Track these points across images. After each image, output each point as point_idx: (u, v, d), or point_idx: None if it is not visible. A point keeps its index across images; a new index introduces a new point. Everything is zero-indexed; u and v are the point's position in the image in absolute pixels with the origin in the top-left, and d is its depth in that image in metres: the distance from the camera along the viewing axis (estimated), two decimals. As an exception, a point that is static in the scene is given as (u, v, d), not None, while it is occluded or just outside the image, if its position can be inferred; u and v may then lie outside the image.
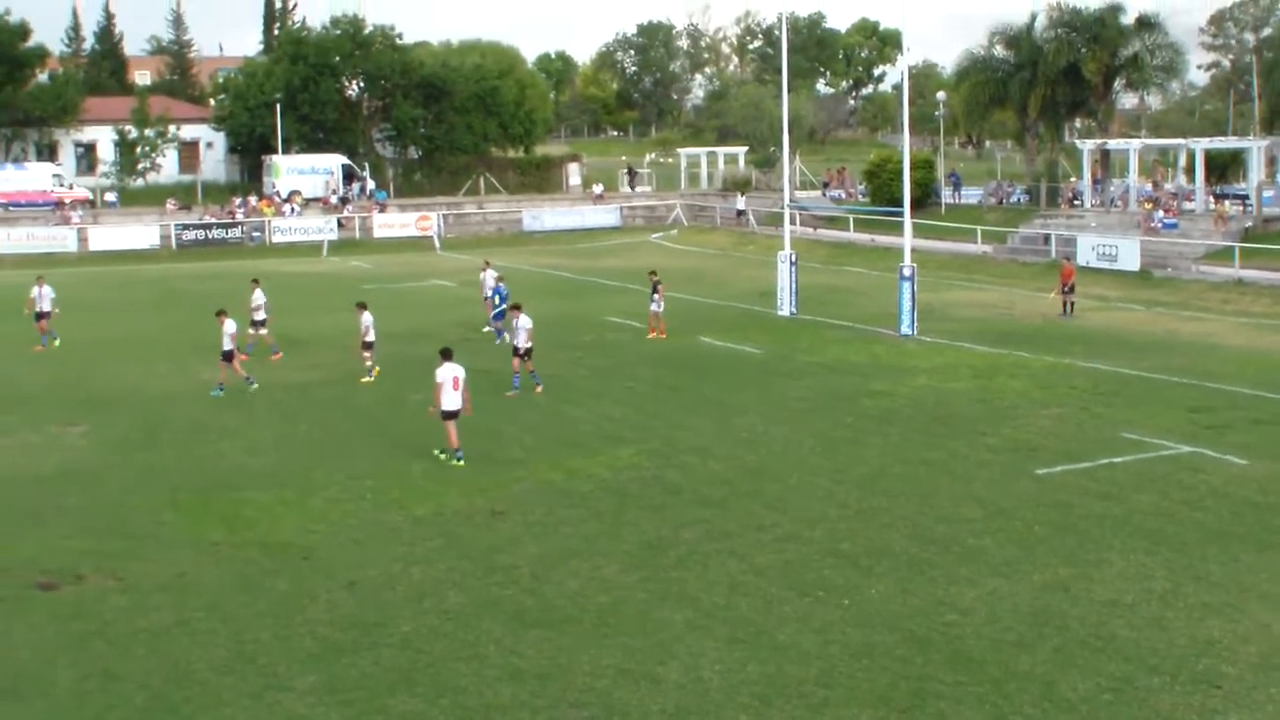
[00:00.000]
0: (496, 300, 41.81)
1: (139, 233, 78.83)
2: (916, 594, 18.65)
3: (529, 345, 33.26)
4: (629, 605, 18.38)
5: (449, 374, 26.49)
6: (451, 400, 26.46)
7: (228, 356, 34.11)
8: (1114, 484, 24.30)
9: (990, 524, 21.94)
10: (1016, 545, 20.80)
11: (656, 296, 42.39)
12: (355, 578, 19.65)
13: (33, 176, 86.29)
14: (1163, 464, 25.75)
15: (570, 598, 18.70)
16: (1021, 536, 21.25)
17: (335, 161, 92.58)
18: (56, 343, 41.11)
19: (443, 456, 26.61)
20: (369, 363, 35.66)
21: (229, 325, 33.91)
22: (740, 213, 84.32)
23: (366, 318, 35.69)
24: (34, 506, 23.85)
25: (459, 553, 20.81)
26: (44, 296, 41.46)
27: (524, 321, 33.23)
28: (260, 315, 39.57)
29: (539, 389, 33.22)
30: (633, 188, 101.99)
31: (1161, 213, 61.91)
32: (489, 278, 43.65)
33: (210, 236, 79.97)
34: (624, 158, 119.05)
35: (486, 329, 42.53)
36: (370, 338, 35.74)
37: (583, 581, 19.37)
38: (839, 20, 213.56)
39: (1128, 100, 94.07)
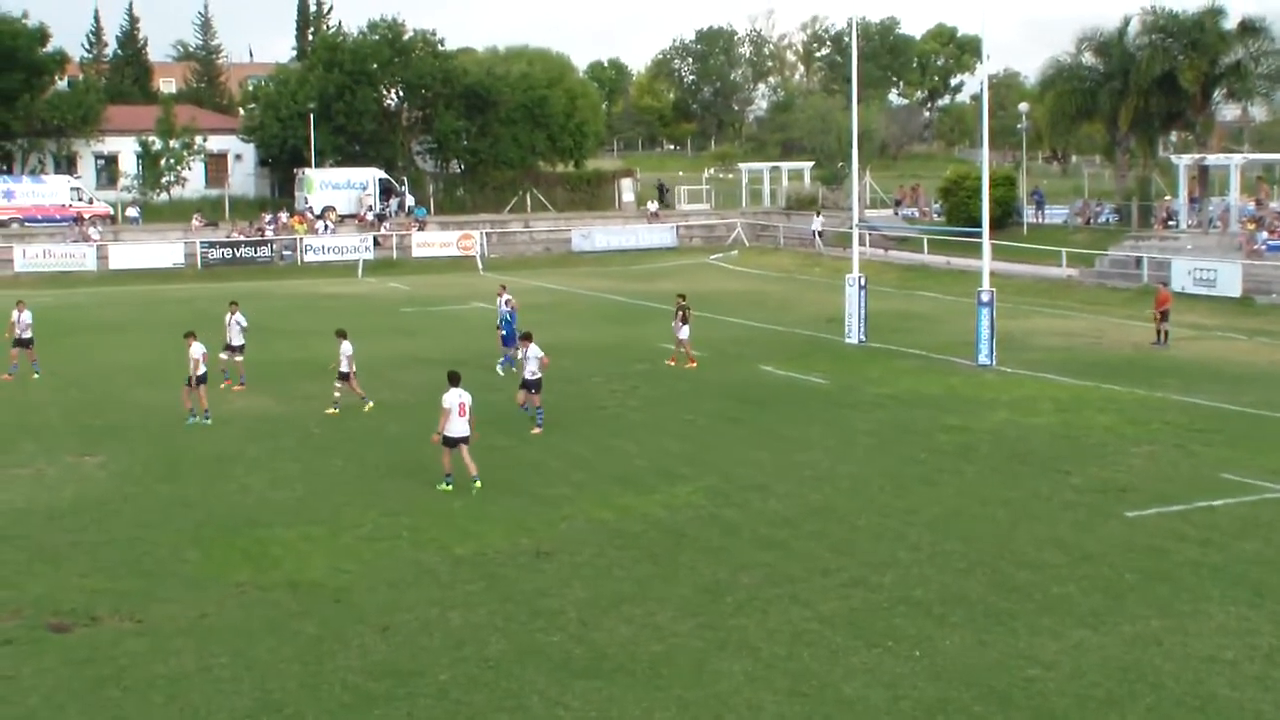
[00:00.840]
0: (501, 326, 41.65)
1: (162, 250, 79.66)
2: (995, 646, 18.50)
3: (537, 378, 32.94)
4: (684, 654, 18.31)
5: (456, 399, 27.12)
6: (458, 427, 27.09)
7: (202, 379, 34.31)
8: (1213, 529, 24.07)
9: (1075, 570, 21.75)
10: (1104, 594, 20.62)
11: (675, 322, 42.70)
12: (389, 622, 19.66)
13: (50, 190, 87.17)
14: (1267, 508, 25.47)
15: (621, 646, 18.66)
16: (1110, 584, 21.06)
17: (372, 175, 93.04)
18: (36, 376, 40.99)
19: (478, 485, 26.96)
20: (337, 394, 35.65)
21: (196, 349, 34.15)
22: (819, 234, 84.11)
23: (346, 347, 35.69)
24: (48, 542, 23.99)
25: (501, 596, 20.79)
26: (22, 323, 41.46)
27: (534, 351, 33.00)
28: (238, 340, 39.28)
29: (537, 430, 32.80)
30: (661, 203, 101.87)
31: (1265, 234, 61.50)
32: (502, 304, 43.14)
33: (238, 255, 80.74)
34: (681, 173, 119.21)
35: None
36: (345, 368, 35.68)
37: (634, 628, 19.33)
38: (913, 26, 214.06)
39: (1229, 112, 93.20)
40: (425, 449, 30.69)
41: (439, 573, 22.01)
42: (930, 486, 27.38)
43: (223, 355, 39.05)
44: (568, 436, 32.44)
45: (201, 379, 34.34)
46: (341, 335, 35.97)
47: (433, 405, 34.64)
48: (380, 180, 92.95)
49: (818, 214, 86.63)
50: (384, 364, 41.86)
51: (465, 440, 27.21)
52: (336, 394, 35.62)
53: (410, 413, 35.10)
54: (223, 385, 38.12)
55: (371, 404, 35.60)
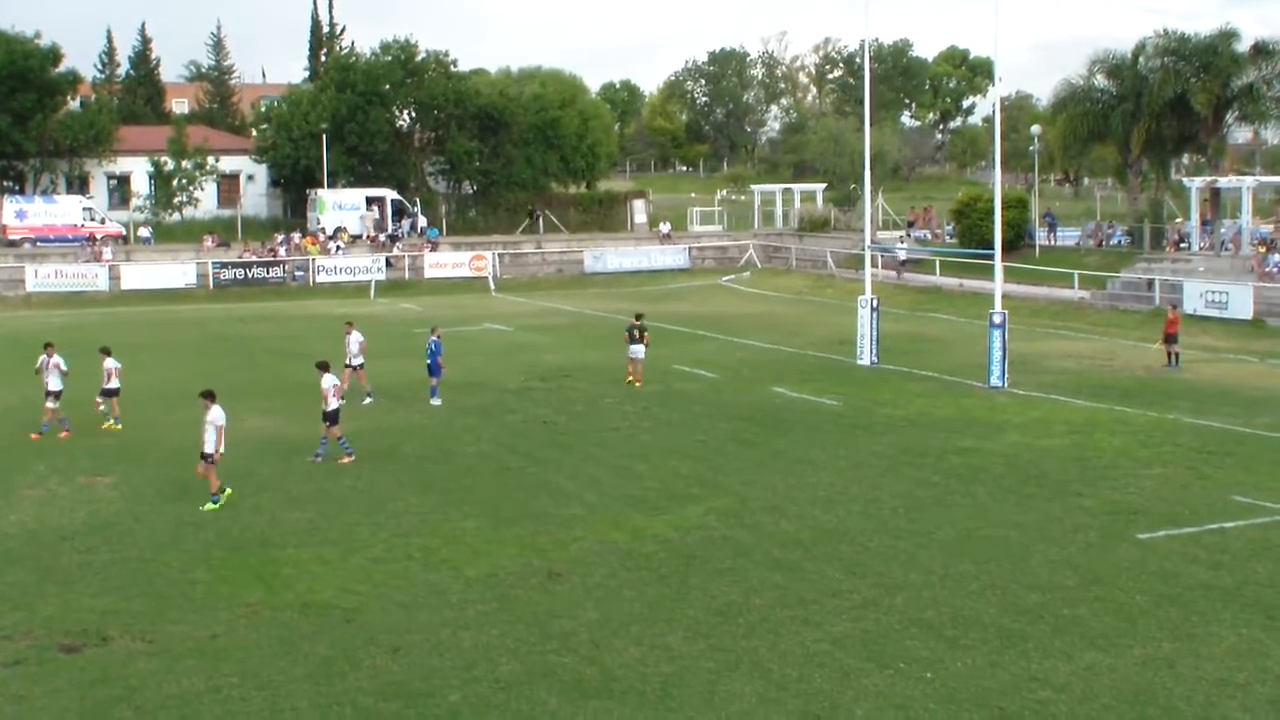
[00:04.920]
0: (429, 356, 40.04)
1: (174, 271, 79.87)
2: (1006, 668, 18.50)
3: (334, 409, 31.95)
4: (695, 676, 18.32)
5: (223, 417, 28.87)
6: (223, 443, 28.71)
7: None
8: (1224, 551, 24.04)
9: (1087, 593, 21.74)
10: (1116, 616, 20.60)
11: (635, 346, 42.96)
12: (400, 643, 19.69)
13: (62, 210, 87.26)
14: (1279, 530, 25.44)
15: (631, 667, 18.67)
16: (1121, 607, 21.05)
17: (366, 196, 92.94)
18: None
19: (228, 495, 28.41)
20: (101, 408, 36.62)
21: None
22: (903, 263, 78.06)
23: (110, 363, 36.47)
24: (59, 563, 24.04)
25: (512, 617, 20.81)
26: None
27: (326, 382, 31.89)
28: (56, 385, 36.33)
29: (348, 459, 31.99)
30: (534, 227, 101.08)
31: (1277, 256, 61.43)
32: (353, 342, 40.71)
33: (250, 276, 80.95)
34: (693, 194, 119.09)
35: (368, 400, 39.84)
36: (112, 384, 36.52)
37: (645, 650, 19.33)
38: (926, 48, 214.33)
39: (1241, 134, 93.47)
40: (437, 471, 30.79)
41: (450, 594, 22.03)
42: (942, 509, 27.36)
43: (50, 405, 36.18)
44: (580, 458, 32.45)
45: None
46: (105, 352, 36.80)
47: (449, 428, 34.90)
48: (393, 201, 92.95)
49: (901, 240, 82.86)
50: (398, 385, 41.90)
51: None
52: (102, 408, 36.65)
53: (423, 435, 35.15)
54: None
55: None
